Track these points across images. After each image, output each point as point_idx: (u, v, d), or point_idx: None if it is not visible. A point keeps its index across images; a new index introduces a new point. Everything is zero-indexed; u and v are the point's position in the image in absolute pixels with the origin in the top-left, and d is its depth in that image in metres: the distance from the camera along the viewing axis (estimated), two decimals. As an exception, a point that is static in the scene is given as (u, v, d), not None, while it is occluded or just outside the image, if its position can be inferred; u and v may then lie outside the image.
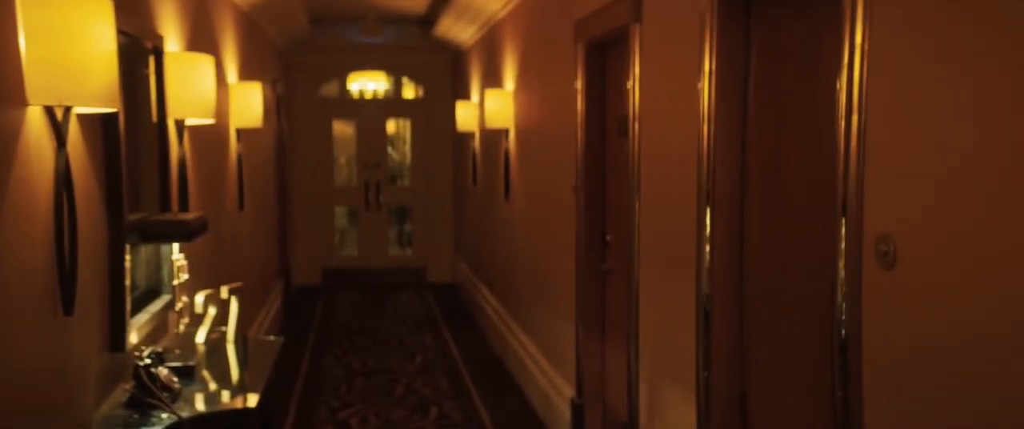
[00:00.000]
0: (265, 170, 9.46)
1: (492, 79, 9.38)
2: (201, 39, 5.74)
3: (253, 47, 8.59)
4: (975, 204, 2.10)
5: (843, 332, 2.54)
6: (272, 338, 5.19)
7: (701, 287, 3.64)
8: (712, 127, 3.53)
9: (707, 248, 3.59)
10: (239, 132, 7.23)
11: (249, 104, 7.13)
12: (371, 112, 13.17)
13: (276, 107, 10.52)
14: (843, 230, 2.53)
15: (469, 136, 10.89)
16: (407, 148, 13.71)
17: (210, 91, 4.62)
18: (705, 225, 3.60)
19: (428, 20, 11.71)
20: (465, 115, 10.48)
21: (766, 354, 3.44)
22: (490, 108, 8.50)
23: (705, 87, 3.55)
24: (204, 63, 4.59)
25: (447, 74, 12.97)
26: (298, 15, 10.20)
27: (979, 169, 2.08)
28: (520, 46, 7.99)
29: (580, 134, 5.67)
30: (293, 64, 12.47)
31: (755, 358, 3.52)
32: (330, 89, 13.17)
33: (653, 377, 4.47)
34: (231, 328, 4.51)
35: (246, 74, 7.81)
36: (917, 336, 2.30)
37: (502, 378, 8.03)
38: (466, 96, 11.24)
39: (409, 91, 13.44)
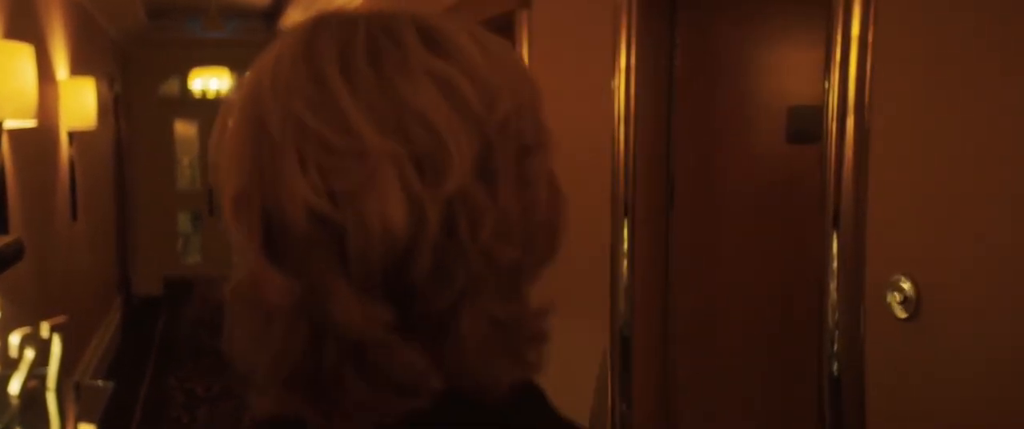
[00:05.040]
0: (102, 175, 8.76)
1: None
2: (19, 28, 5.02)
3: (85, 40, 7.86)
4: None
5: (836, 366, 2.08)
6: (101, 383, 4.49)
7: (617, 309, 3.16)
8: (630, 129, 3.05)
9: (625, 264, 3.12)
10: (71, 135, 6.53)
11: (82, 103, 6.43)
12: (214, 112, 12.31)
13: (114, 107, 9.80)
14: (835, 246, 2.07)
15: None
16: (254, 149, 13.08)
17: (30, 86, 3.94)
18: (622, 239, 3.12)
19: (273, 13, 11.09)
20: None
21: (703, 388, 2.99)
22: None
23: (620, 84, 3.08)
24: (20, 53, 3.90)
25: (296, 71, 12.34)
26: (134, 6, 9.49)
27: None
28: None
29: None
30: (131, 60, 11.71)
31: (687, 391, 3.06)
32: (171, 87, 12.45)
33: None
34: (52, 373, 3.81)
35: (78, 69, 7.08)
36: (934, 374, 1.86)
37: (364, 400, 7.44)
38: (317, 94, 10.62)
39: (255, 89, 12.79)
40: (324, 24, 0.83)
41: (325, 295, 0.75)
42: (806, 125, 2.43)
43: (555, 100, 3.70)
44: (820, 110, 2.28)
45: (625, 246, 3.12)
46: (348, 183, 0.74)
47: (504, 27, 4.42)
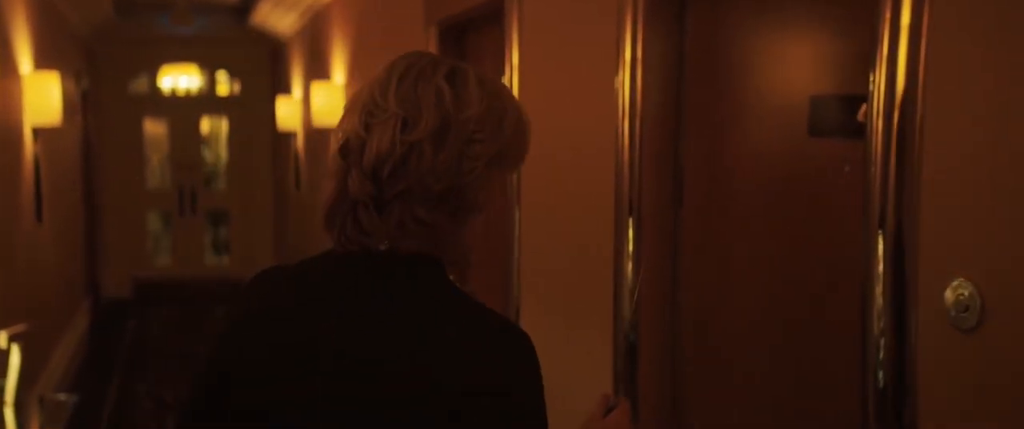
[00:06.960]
0: (69, 174, 8.53)
1: (318, 71, 8.54)
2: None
3: (50, 34, 7.63)
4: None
5: (882, 375, 1.89)
6: (64, 396, 4.24)
7: (621, 314, 2.98)
8: (636, 124, 2.86)
9: (630, 266, 2.93)
10: (36, 132, 6.29)
11: (46, 98, 6.22)
12: (184, 110, 12.33)
13: (82, 103, 9.55)
14: (881, 248, 1.89)
15: (292, 136, 10.00)
16: (222, 148, 12.82)
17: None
18: (626, 240, 2.93)
19: (243, 8, 10.87)
20: (287, 113, 9.67)
21: (715, 399, 2.81)
22: (317, 104, 7.58)
23: (625, 78, 2.89)
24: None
25: (266, 68, 12.13)
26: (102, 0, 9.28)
27: None
28: (353, 33, 7.23)
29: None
30: (100, 57, 11.47)
31: (696, 401, 2.88)
32: (140, 85, 12.22)
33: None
34: (10, 387, 3.55)
35: (43, 63, 6.83)
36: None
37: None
38: (287, 91, 10.37)
39: (224, 88, 12.55)
40: (407, 56, 1.49)
41: (349, 172, 1.44)
42: (830, 117, 2.27)
43: (552, 95, 3.53)
44: (845, 100, 2.12)
45: (630, 247, 2.93)
46: (373, 124, 1.43)
47: (488, 18, 4.22)
